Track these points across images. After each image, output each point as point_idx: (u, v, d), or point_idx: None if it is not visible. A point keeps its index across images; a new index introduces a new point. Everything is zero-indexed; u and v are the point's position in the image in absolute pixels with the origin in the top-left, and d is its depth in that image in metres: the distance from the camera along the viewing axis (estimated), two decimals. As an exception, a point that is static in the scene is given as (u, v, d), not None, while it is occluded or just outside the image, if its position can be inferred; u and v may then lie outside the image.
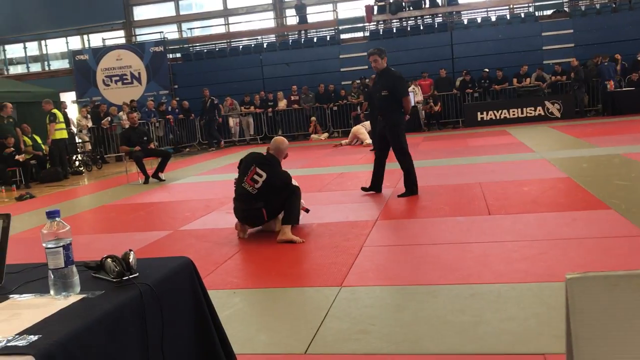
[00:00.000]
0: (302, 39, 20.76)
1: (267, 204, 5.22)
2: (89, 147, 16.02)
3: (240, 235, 5.39)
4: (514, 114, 16.21)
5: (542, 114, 15.95)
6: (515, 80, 16.80)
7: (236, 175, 5.52)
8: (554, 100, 15.99)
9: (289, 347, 2.96)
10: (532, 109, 16.08)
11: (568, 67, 16.48)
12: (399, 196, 6.80)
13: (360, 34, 20.31)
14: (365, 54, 18.89)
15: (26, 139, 12.87)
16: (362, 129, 14.36)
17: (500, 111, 16.32)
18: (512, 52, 17.58)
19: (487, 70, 16.97)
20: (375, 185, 7.14)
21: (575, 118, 15.50)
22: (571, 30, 17.61)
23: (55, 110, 12.77)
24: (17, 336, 1.36)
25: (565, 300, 1.41)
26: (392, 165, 7.36)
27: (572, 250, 4.15)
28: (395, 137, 6.90)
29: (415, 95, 16.49)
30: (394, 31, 19.66)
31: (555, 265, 3.82)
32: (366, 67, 18.40)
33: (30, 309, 1.57)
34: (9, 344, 1.31)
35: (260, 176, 5.20)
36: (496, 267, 3.89)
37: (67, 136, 13.16)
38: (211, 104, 17.30)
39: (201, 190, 8.81)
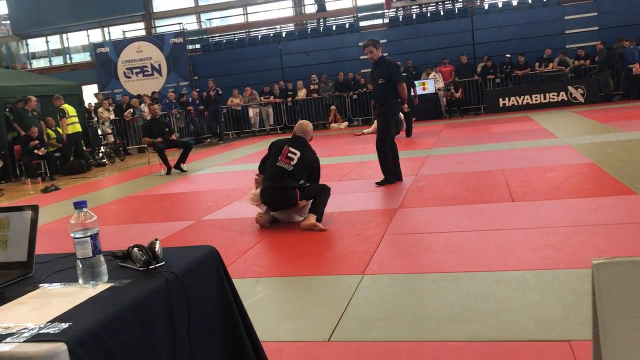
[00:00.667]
0: (321, 27, 20.68)
1: (300, 187, 5.29)
2: (111, 139, 16.19)
3: (262, 225, 5.42)
4: (536, 100, 15.98)
5: (565, 99, 15.70)
6: (537, 65, 16.55)
7: (256, 165, 5.57)
8: (578, 85, 15.72)
9: (313, 334, 2.98)
10: (555, 94, 15.84)
11: (591, 51, 16.18)
12: (377, 184, 6.97)
13: (379, 21, 20.15)
14: (385, 40, 18.84)
15: (50, 131, 13.05)
16: None
17: (522, 97, 16.10)
18: (534, 36, 17.30)
19: (508, 55, 16.72)
20: (391, 177, 7.09)
21: (600, 103, 15.23)
22: (595, 13, 17.25)
23: (65, 106, 12.80)
24: (48, 324, 1.39)
25: (591, 286, 1.40)
26: (414, 154, 7.33)
27: (597, 237, 4.10)
28: (383, 123, 7.07)
29: (436, 82, 16.35)
30: (414, 17, 19.47)
31: (580, 251, 3.79)
32: (386, 54, 18.25)
33: (60, 298, 1.60)
34: (41, 332, 1.34)
35: (295, 154, 5.31)
36: (520, 254, 3.86)
37: (80, 129, 13.18)
38: (216, 95, 17.12)
39: (223, 181, 8.87)
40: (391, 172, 7.02)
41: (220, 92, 17.38)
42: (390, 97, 6.95)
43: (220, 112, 17.31)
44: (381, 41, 19.55)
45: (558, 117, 12.85)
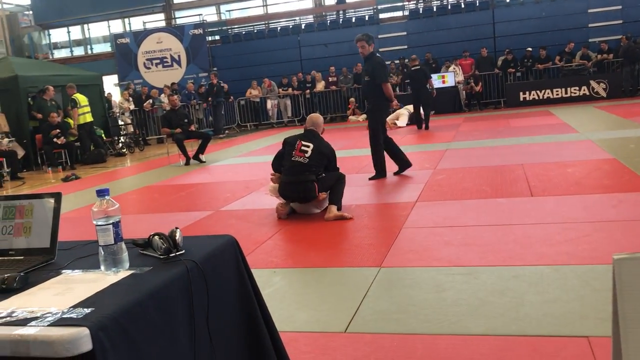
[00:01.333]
0: (341, 19, 20.59)
1: (318, 180, 5.31)
2: (131, 129, 16.33)
3: (281, 215, 5.44)
4: (557, 94, 15.79)
5: (587, 93, 15.49)
6: (559, 59, 16.35)
7: (271, 156, 5.62)
8: (600, 79, 15.50)
9: (329, 325, 3.00)
10: (577, 88, 15.63)
11: (615, 45, 15.93)
12: (369, 179, 7.00)
13: (399, 13, 20.02)
14: (405, 33, 18.71)
15: (70, 121, 13.18)
16: (404, 111, 14.21)
17: (543, 91, 15.93)
18: (556, 30, 17.08)
19: (530, 49, 16.54)
20: (404, 163, 7.16)
21: (622, 97, 15.01)
22: (620, 7, 16.97)
23: (76, 95, 12.77)
24: (71, 309, 1.41)
25: (612, 282, 1.38)
26: (432, 147, 7.29)
27: (617, 233, 4.05)
28: (373, 121, 7.07)
29: (455, 75, 16.23)
30: (434, 10, 19.31)
31: (600, 247, 3.75)
32: (406, 46, 18.23)
33: (82, 284, 1.63)
34: (64, 316, 1.36)
35: (308, 146, 5.34)
36: (538, 249, 3.83)
37: (91, 119, 13.14)
38: (219, 88, 16.86)
39: (241, 172, 8.91)
40: (384, 168, 7.07)
41: (222, 85, 17.14)
42: (376, 95, 6.94)
43: (221, 105, 17.09)
44: (401, 34, 19.50)
45: (579, 112, 12.70)
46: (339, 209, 5.29)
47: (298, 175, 5.28)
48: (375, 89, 6.91)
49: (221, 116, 17.15)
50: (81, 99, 12.87)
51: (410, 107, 13.99)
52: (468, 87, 16.47)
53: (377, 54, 7.26)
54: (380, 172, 7.05)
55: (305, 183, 5.27)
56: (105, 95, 16.82)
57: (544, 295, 3.08)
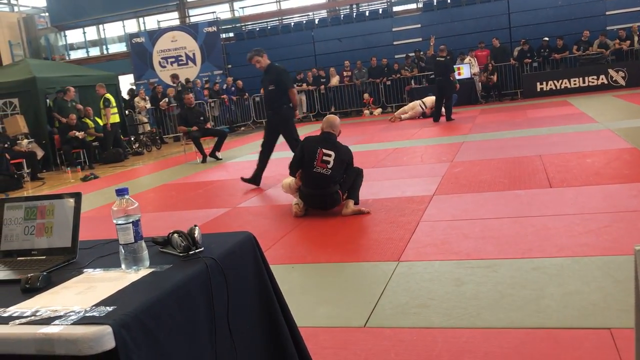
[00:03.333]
0: (354, 13, 20.53)
1: (341, 186, 5.28)
2: (147, 128, 16.44)
3: (297, 213, 5.41)
4: (575, 84, 15.59)
5: (606, 82, 15.28)
6: (575, 48, 16.14)
7: (287, 152, 5.57)
8: (618, 67, 15.27)
9: (348, 320, 3.00)
10: (595, 77, 15.43)
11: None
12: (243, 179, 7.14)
13: (413, 6, 19.89)
14: (419, 25, 18.58)
15: (88, 121, 13.32)
16: (417, 104, 14.17)
17: (560, 81, 15.73)
18: (572, 18, 16.85)
19: (546, 39, 16.34)
20: (256, 178, 7.19)
21: (642, 86, 14.79)
22: (637, -7, 16.70)
23: (108, 95, 13.09)
24: (93, 307, 1.43)
25: (634, 273, 1.37)
26: (449, 140, 7.24)
27: (638, 223, 4.00)
28: (288, 131, 7.09)
29: (471, 67, 16.11)
30: (448, 1, 19.14)
31: (621, 238, 3.71)
32: (420, 39, 18.12)
33: (104, 282, 1.65)
34: (87, 315, 1.38)
35: (329, 155, 5.22)
36: (558, 241, 3.80)
37: (119, 120, 13.54)
38: (183, 89, 16.09)
39: (257, 168, 8.92)
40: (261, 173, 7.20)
41: (189, 86, 16.54)
42: (282, 103, 6.95)
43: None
44: (415, 26, 19.33)
45: (598, 101, 12.53)
46: (356, 203, 5.28)
47: (322, 189, 5.23)
48: (283, 96, 6.93)
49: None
50: (112, 99, 13.12)
51: (426, 100, 13.92)
52: (485, 77, 16.29)
53: (276, 63, 7.31)
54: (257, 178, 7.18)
55: (332, 195, 5.24)
56: (128, 92, 16.98)
57: (565, 287, 3.05)
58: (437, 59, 12.84)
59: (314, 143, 5.34)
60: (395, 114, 14.54)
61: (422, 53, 16.98)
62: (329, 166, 5.19)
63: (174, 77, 17.09)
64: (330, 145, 5.29)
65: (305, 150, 5.33)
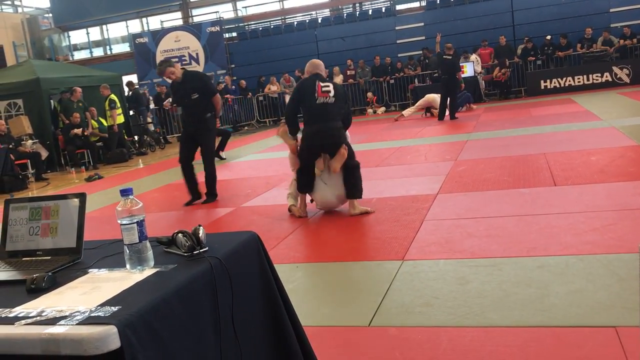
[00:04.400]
0: (357, 12, 20.50)
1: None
2: (151, 127, 16.45)
3: (299, 214, 5.38)
4: (579, 81, 15.55)
5: (610, 80, 15.22)
6: (579, 45, 16.09)
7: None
8: (623, 65, 15.22)
9: (353, 319, 3.00)
10: (599, 75, 15.37)
11: (638, 29, 15.62)
12: (202, 202, 6.63)
13: (416, 4, 19.86)
14: (422, 24, 18.53)
15: (92, 121, 13.36)
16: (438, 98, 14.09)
17: (564, 79, 15.69)
18: (576, 16, 16.80)
19: (549, 37, 16.30)
20: (196, 194, 6.78)
21: (646, 83, 14.73)
22: (641, -10, 16.64)
23: (113, 96, 13.14)
24: (99, 307, 1.44)
25: (639, 271, 1.37)
26: (453, 138, 7.23)
27: (644, 221, 3.99)
28: (208, 141, 6.68)
29: (475, 65, 16.07)
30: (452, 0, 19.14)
31: (626, 236, 3.70)
32: (423, 37, 18.10)
33: (108, 282, 1.65)
34: (92, 315, 1.39)
35: (328, 86, 5.20)
36: (563, 239, 3.79)
37: (124, 120, 13.61)
38: (137, 93, 16.04)
39: (261, 168, 8.94)
40: (197, 187, 6.75)
41: (142, 91, 16.21)
42: (207, 112, 6.49)
43: (145, 112, 16.09)
44: (418, 25, 19.30)
45: (602, 99, 12.49)
46: (359, 197, 5.25)
47: (327, 122, 5.09)
48: (208, 104, 6.48)
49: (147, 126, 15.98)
50: (117, 100, 13.17)
51: (429, 98, 13.88)
52: (499, 73, 16.20)
53: (193, 70, 7.08)
54: (213, 191, 6.72)
55: (338, 130, 5.14)
56: (140, 91, 16.99)
57: (570, 285, 3.05)
58: (444, 57, 12.75)
59: (309, 81, 5.28)
60: (404, 113, 14.50)
61: (428, 50, 16.90)
62: (331, 95, 5.14)
63: None
64: (325, 80, 5.29)
65: (302, 90, 5.27)
